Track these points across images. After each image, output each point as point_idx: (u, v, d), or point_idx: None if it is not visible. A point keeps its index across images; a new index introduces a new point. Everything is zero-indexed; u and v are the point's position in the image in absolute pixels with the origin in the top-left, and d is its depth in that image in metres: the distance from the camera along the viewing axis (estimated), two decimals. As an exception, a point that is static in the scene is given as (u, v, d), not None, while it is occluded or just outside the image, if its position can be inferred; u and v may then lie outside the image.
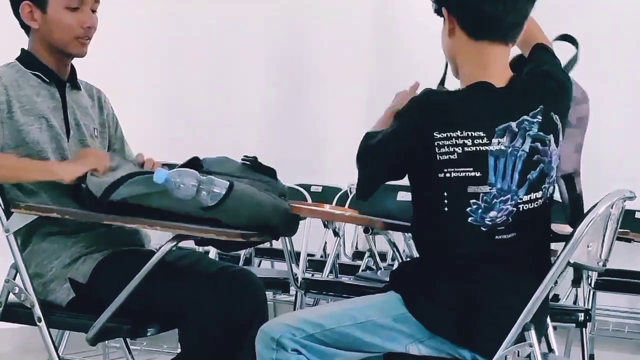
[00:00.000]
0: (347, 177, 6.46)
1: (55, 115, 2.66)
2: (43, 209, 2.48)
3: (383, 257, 5.19)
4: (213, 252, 3.88)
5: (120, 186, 2.41)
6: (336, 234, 4.39)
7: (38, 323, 2.48)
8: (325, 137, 7.27)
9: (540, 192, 2.30)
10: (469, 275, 2.25)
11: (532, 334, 2.14)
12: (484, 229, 2.25)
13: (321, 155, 7.20)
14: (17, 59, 2.71)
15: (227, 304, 2.47)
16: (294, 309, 4.06)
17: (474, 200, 2.24)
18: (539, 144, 2.28)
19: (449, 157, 2.23)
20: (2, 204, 2.52)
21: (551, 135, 2.30)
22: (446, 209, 2.26)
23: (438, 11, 2.40)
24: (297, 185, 4.85)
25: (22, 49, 2.72)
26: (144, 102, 5.33)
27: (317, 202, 4.36)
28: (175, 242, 2.36)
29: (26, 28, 2.70)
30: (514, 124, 2.26)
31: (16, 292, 2.49)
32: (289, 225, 2.53)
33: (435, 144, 2.23)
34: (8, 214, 2.49)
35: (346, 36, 7.35)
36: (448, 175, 2.24)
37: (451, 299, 2.23)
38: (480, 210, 2.24)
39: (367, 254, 5.08)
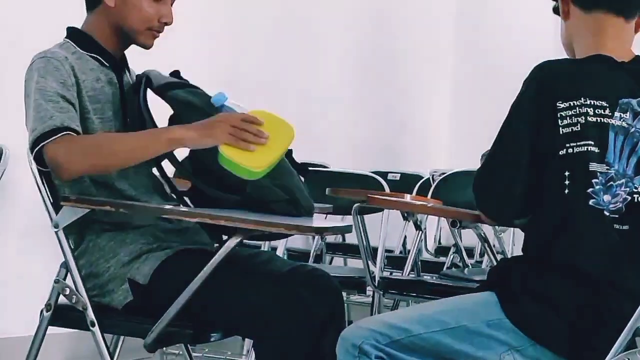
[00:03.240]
0: (428, 163, 6.49)
1: (114, 102, 2.67)
2: (95, 202, 2.50)
3: (470, 253, 5.16)
4: (282, 247, 3.89)
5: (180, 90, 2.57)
6: (417, 227, 4.36)
7: (91, 327, 2.51)
8: (404, 121, 7.26)
9: None
10: (589, 275, 2.21)
11: (644, 340, 2.10)
12: (607, 213, 2.23)
13: (400, 140, 7.19)
14: (70, 38, 2.69)
15: (300, 310, 2.47)
16: (371, 312, 4.06)
17: (595, 180, 2.23)
18: None
19: (572, 129, 2.23)
20: (50, 196, 2.55)
21: None
22: (567, 191, 2.23)
23: (556, 9, 2.46)
24: (372, 172, 4.84)
25: (73, 28, 2.71)
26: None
27: (395, 192, 4.35)
28: (240, 238, 2.37)
29: (92, 3, 2.69)
30: (634, 102, 2.27)
31: (67, 293, 2.52)
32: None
33: (558, 114, 2.23)
34: (57, 208, 2.52)
35: (431, 22, 7.39)
36: (570, 150, 2.23)
37: (564, 303, 2.20)
38: (602, 192, 2.22)
39: (452, 250, 5.06)
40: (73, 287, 2.52)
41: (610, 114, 2.25)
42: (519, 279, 2.28)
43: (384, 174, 5.26)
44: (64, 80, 2.53)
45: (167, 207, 2.50)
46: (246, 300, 2.46)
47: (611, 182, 2.23)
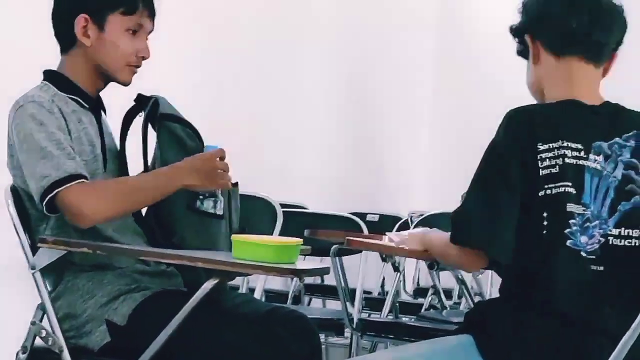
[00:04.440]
0: (406, 204, 6.50)
1: (95, 144, 2.66)
2: (72, 244, 2.50)
3: (448, 294, 5.17)
4: (260, 288, 3.88)
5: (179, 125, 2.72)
6: (396, 268, 4.37)
7: (67, 371, 2.49)
8: (383, 162, 7.28)
9: (637, 232, 2.28)
10: (567, 316, 2.22)
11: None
12: (584, 254, 2.24)
13: (378, 181, 7.21)
14: (48, 80, 2.68)
15: (279, 350, 2.47)
16: (349, 354, 4.06)
17: (572, 221, 2.24)
18: (632, 172, 2.30)
19: (551, 171, 2.24)
20: (27, 238, 2.55)
21: None
22: (545, 232, 2.24)
23: (522, 52, 2.48)
24: (350, 213, 4.86)
25: (50, 71, 2.70)
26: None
27: (374, 233, 4.35)
28: (216, 281, 2.37)
29: (67, 44, 2.69)
30: (605, 145, 2.30)
31: (43, 335, 2.51)
32: None
33: (538, 156, 2.25)
34: (34, 249, 2.52)
35: (408, 61, 7.43)
36: (549, 192, 2.24)
37: (542, 345, 2.21)
38: (578, 233, 2.24)
39: (430, 292, 5.06)
40: (49, 329, 2.50)
41: (585, 156, 2.27)
42: (496, 321, 2.28)
43: (362, 215, 5.27)
44: (59, 125, 2.54)
45: (144, 249, 2.50)
46: (225, 341, 2.46)
47: (587, 223, 2.25)
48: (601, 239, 2.26)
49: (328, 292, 5.49)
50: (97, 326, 2.55)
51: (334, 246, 3.83)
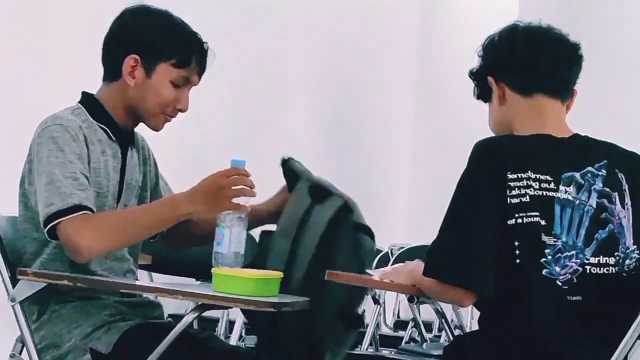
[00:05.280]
0: (386, 237, 6.50)
1: (113, 177, 2.64)
2: (53, 276, 2.49)
3: (429, 327, 5.17)
4: (240, 320, 3.88)
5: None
6: (376, 301, 4.39)
7: (46, 404, 2.48)
8: (363, 194, 7.28)
9: (613, 259, 2.30)
10: (545, 346, 2.23)
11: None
12: (559, 283, 2.25)
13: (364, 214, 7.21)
14: (82, 104, 2.65)
15: None
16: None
17: (548, 250, 2.25)
18: (605, 201, 2.32)
19: (520, 200, 2.25)
20: (7, 270, 2.54)
21: (616, 194, 2.33)
22: (518, 260, 2.24)
23: (481, 94, 2.51)
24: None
25: (88, 94, 2.68)
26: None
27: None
28: (198, 313, 2.38)
29: (111, 75, 2.66)
30: (577, 175, 2.32)
31: (22, 368, 2.50)
32: None
33: (507, 185, 2.26)
34: (14, 281, 2.50)
35: (389, 94, 7.46)
36: (519, 221, 2.25)
37: None
38: (553, 263, 2.25)
39: (410, 324, 5.07)
40: (28, 361, 2.50)
41: (555, 187, 2.29)
42: (475, 353, 2.29)
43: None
44: (80, 153, 2.52)
45: (124, 282, 2.50)
46: None
47: (559, 254, 2.26)
48: (578, 268, 2.27)
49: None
50: (80, 356, 2.53)
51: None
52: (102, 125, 2.63)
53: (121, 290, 2.51)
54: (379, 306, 4.44)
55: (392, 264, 4.52)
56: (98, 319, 2.56)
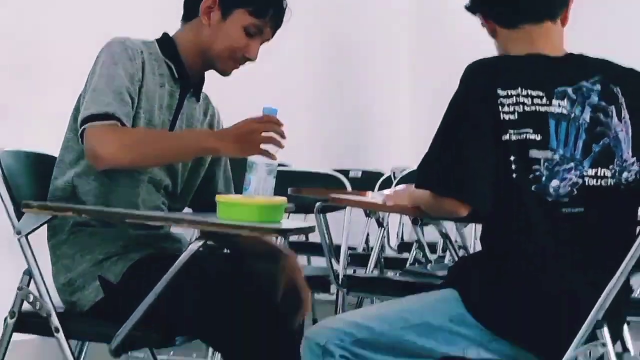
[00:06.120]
0: (389, 160, 6.51)
1: (164, 115, 2.67)
2: (57, 208, 2.49)
3: (433, 248, 5.18)
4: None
5: None
6: (380, 224, 4.39)
7: (55, 334, 2.50)
8: (364, 119, 7.28)
9: (609, 172, 2.30)
10: (533, 265, 2.24)
11: (605, 333, 2.13)
12: (549, 199, 2.25)
13: (360, 139, 7.21)
14: (158, 41, 2.73)
15: (264, 317, 2.49)
16: (336, 310, 4.08)
17: (536, 167, 2.25)
18: (600, 115, 2.31)
19: (510, 117, 2.24)
20: (11, 202, 2.54)
21: (613, 107, 2.33)
22: (514, 175, 2.24)
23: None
24: (334, 170, 4.86)
25: (165, 34, 2.75)
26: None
27: (357, 190, 4.35)
28: (202, 241, 2.38)
29: (189, 14, 2.73)
30: (570, 90, 2.30)
31: (30, 300, 2.51)
32: None
33: (499, 101, 2.25)
34: (19, 215, 2.51)
35: (388, 19, 7.41)
36: (513, 137, 2.24)
37: (514, 297, 2.23)
38: (543, 178, 2.25)
39: (415, 246, 5.08)
40: (37, 293, 2.51)
41: (547, 102, 2.28)
42: (478, 274, 2.30)
43: (345, 172, 5.27)
44: (133, 73, 2.57)
45: (130, 212, 2.50)
46: (205, 304, 2.47)
47: (557, 167, 2.25)
48: (578, 180, 2.27)
49: (313, 249, 5.48)
50: (90, 282, 2.56)
51: (318, 203, 3.83)
52: (168, 62, 2.68)
53: (127, 221, 2.51)
54: (382, 229, 4.44)
55: (395, 186, 4.53)
56: (111, 248, 2.59)
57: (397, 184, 4.36)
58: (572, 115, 2.29)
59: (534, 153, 2.25)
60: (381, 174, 5.53)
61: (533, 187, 2.24)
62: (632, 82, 2.39)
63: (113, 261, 2.57)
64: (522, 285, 2.24)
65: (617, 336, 2.31)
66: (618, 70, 2.39)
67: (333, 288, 4.00)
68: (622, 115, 2.34)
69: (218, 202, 2.39)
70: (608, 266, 2.20)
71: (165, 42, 2.73)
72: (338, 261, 4.04)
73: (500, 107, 2.24)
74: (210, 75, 2.79)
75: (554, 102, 2.28)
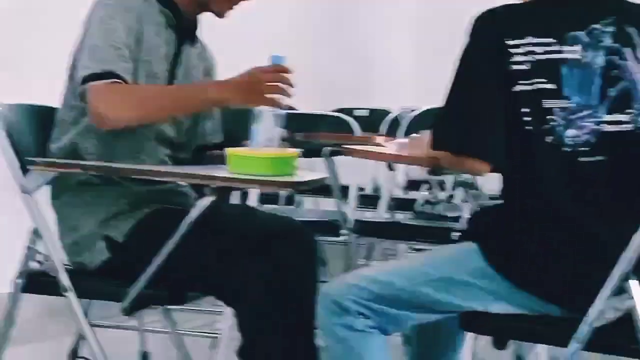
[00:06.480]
0: (396, 99, 6.43)
1: (162, 64, 2.60)
2: (63, 165, 2.43)
3: (441, 186, 5.10)
4: (254, 193, 3.83)
5: None
6: (390, 167, 4.33)
7: (65, 293, 2.45)
8: (372, 55, 7.19)
9: (628, 117, 2.23)
10: (552, 216, 2.18)
11: (634, 285, 2.06)
12: (566, 149, 2.18)
13: (365, 77, 7.12)
14: None
15: (277, 272, 2.42)
16: (346, 254, 4.03)
17: (550, 117, 2.18)
18: (616, 58, 2.24)
19: (521, 68, 2.17)
20: (17, 160, 2.48)
21: (629, 49, 2.25)
22: (528, 127, 2.17)
23: None
24: (338, 110, 4.78)
25: None
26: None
27: (366, 133, 4.29)
28: (213, 197, 2.32)
29: None
30: (582, 34, 2.23)
31: (39, 259, 2.46)
32: None
33: (508, 51, 2.18)
34: (25, 172, 2.45)
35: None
36: (524, 88, 2.17)
37: (534, 249, 2.17)
38: (559, 128, 2.18)
39: (424, 187, 5.00)
40: (45, 253, 2.45)
41: (559, 49, 2.21)
42: (497, 226, 2.25)
43: (350, 111, 5.20)
44: (131, 26, 2.49)
45: (137, 167, 2.43)
46: (215, 262, 2.42)
47: (572, 116, 2.19)
48: (595, 127, 2.20)
49: (320, 191, 5.42)
50: (94, 243, 2.51)
51: (326, 148, 3.77)
52: (164, 9, 2.59)
53: (133, 177, 2.44)
54: (392, 172, 4.38)
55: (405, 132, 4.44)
56: (117, 207, 2.53)
57: (407, 130, 4.29)
58: (586, 60, 2.21)
59: (548, 103, 2.18)
60: (388, 112, 5.44)
61: (549, 138, 2.18)
62: None
63: (119, 220, 2.52)
64: (544, 236, 2.17)
65: None
66: (633, 10, 2.31)
67: (343, 231, 3.94)
68: (639, 57, 2.26)
69: (229, 154, 2.33)
70: (633, 215, 2.14)
71: None
72: (347, 203, 3.98)
73: (509, 58, 2.17)
74: (204, 18, 2.71)
75: (566, 48, 2.21)
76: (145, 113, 2.45)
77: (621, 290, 2.08)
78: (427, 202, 4.94)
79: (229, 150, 2.34)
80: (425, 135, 2.36)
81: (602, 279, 2.09)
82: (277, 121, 2.44)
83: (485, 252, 2.20)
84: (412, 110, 4.64)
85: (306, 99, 5.66)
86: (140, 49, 2.51)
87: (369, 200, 4.93)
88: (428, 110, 4.38)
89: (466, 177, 4.29)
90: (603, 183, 2.21)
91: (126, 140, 2.54)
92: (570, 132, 2.19)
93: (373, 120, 5.37)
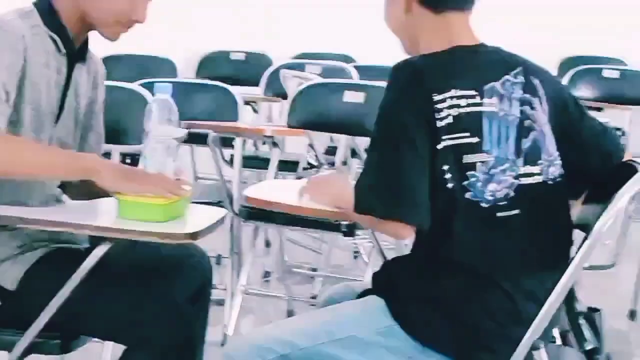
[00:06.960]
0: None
1: (52, 93, 2.43)
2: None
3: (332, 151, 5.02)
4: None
5: None
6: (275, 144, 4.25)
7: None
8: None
9: (538, 168, 2.22)
10: (474, 271, 2.15)
11: (542, 355, 2.06)
12: (484, 205, 2.15)
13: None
14: (37, 6, 2.44)
15: (172, 315, 2.38)
16: (231, 241, 3.99)
17: (471, 172, 2.15)
18: (527, 107, 2.23)
19: (446, 123, 2.13)
20: None
21: (536, 99, 2.25)
22: (449, 184, 2.13)
23: None
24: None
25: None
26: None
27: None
28: (108, 246, 2.21)
29: None
30: (497, 84, 2.21)
31: None
32: None
33: (434, 107, 2.13)
34: None
35: None
36: (449, 143, 2.13)
37: (452, 304, 2.14)
38: (479, 184, 2.15)
39: (307, 151, 4.95)
40: None
41: (480, 101, 2.17)
42: (406, 282, 2.20)
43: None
44: (13, 63, 2.30)
45: (22, 216, 2.27)
46: (109, 308, 2.36)
47: (493, 170, 2.16)
48: (514, 181, 2.18)
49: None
50: None
51: (212, 134, 3.70)
52: (52, 34, 2.42)
53: (18, 225, 2.31)
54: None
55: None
56: (4, 252, 2.39)
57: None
58: (502, 112, 2.19)
59: (469, 157, 2.14)
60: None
61: (468, 194, 2.14)
62: (544, 74, 2.31)
63: (9, 264, 2.39)
64: (452, 295, 2.15)
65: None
66: (530, 63, 2.30)
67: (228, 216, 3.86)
68: (544, 108, 2.26)
69: (118, 200, 2.22)
70: (545, 268, 2.16)
71: (47, 11, 2.44)
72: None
73: (435, 114, 2.12)
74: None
75: (485, 100, 2.18)
76: (9, 167, 2.27)
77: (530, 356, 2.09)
78: (311, 165, 4.89)
79: (118, 196, 2.23)
80: (330, 183, 2.30)
81: (515, 342, 2.09)
82: (170, 152, 2.32)
83: (393, 309, 2.16)
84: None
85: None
86: (25, 86, 2.35)
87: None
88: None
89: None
90: (518, 237, 2.19)
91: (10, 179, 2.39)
92: (491, 186, 2.16)
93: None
